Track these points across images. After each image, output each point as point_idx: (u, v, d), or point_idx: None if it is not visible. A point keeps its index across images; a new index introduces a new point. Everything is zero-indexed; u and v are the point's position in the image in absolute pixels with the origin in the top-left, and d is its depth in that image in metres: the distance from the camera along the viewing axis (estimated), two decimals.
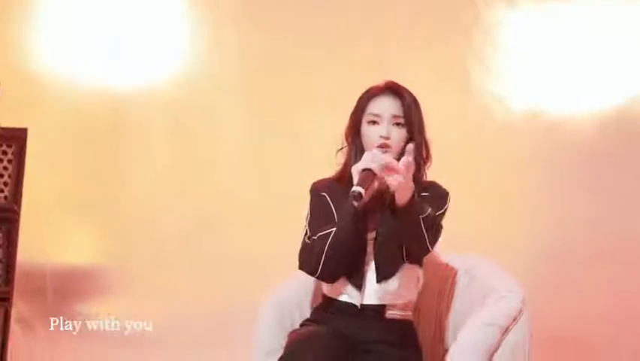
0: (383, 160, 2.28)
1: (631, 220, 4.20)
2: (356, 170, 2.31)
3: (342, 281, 2.44)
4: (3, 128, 3.51)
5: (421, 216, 2.27)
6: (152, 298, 4.43)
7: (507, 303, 2.42)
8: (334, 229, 2.37)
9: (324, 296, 2.52)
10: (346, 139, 2.58)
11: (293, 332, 2.51)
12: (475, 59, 4.72)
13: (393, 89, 2.53)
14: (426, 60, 4.65)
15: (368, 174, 2.27)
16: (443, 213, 2.45)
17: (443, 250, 2.78)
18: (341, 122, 4.72)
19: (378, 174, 2.27)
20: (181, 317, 4.34)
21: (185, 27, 4.71)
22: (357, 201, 2.20)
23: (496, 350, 2.31)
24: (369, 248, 2.44)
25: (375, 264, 2.42)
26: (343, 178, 2.51)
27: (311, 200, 2.56)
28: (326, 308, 2.50)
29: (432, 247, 2.37)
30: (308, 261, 2.43)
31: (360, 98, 2.57)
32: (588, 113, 4.49)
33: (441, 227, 2.43)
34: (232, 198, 4.56)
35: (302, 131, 4.69)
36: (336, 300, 2.47)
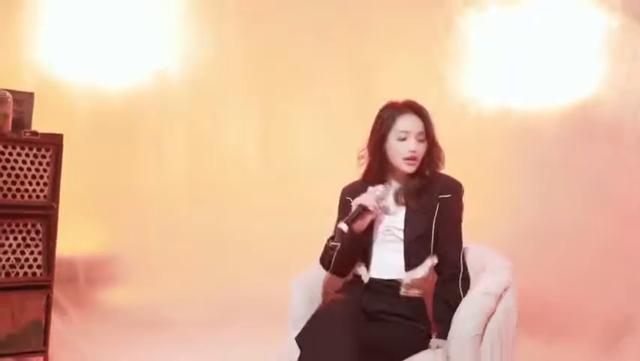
0: (384, 193, 2.85)
1: (593, 200, 4.64)
2: (354, 203, 2.82)
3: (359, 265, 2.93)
4: (41, 134, 3.81)
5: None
6: (171, 283, 4.83)
7: (499, 276, 2.90)
8: (338, 245, 2.82)
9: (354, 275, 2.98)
10: (368, 149, 2.98)
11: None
12: (449, 62, 5.15)
13: (415, 108, 2.93)
14: (403, 63, 5.08)
15: (362, 211, 2.79)
16: (462, 209, 2.96)
17: None
18: (332, 117, 5.07)
19: (373, 211, 2.80)
20: (196, 299, 4.74)
21: (190, 30, 5.08)
22: (340, 237, 2.74)
23: (492, 314, 2.77)
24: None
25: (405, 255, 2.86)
26: (367, 177, 2.99)
27: (339, 203, 3.03)
28: (353, 284, 2.97)
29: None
30: (323, 262, 2.97)
31: (385, 115, 2.94)
32: (552, 109, 4.94)
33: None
34: (240, 190, 4.94)
35: (300, 122, 5.09)
36: (361, 278, 2.93)
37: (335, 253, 2.86)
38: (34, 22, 4.70)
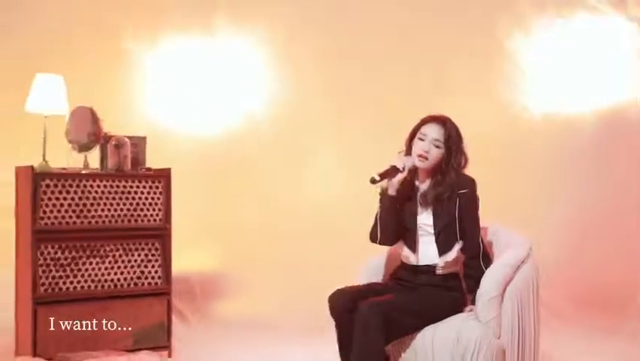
0: (411, 163, 3.46)
1: (631, 198, 5.14)
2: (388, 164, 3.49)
3: (408, 252, 3.57)
4: (154, 170, 4.62)
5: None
6: (272, 295, 5.50)
7: (518, 251, 3.53)
8: (379, 211, 3.53)
9: (401, 261, 3.65)
10: (405, 145, 3.63)
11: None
12: (502, 77, 5.80)
13: (439, 120, 3.56)
14: (466, 82, 5.78)
15: (391, 169, 3.45)
16: (478, 200, 3.54)
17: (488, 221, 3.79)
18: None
19: (401, 170, 3.45)
20: (293, 308, 5.35)
21: (272, 75, 5.88)
22: (371, 182, 3.41)
23: (509, 281, 3.40)
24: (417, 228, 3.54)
25: (436, 243, 3.50)
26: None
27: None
28: (401, 267, 3.65)
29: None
30: (372, 234, 3.62)
31: (419, 122, 3.61)
32: (590, 114, 5.50)
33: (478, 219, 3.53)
34: (323, 213, 5.62)
35: (372, 149, 5.63)
36: (406, 263, 3.61)
37: (378, 219, 3.52)
38: (143, 80, 5.60)
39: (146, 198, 4.56)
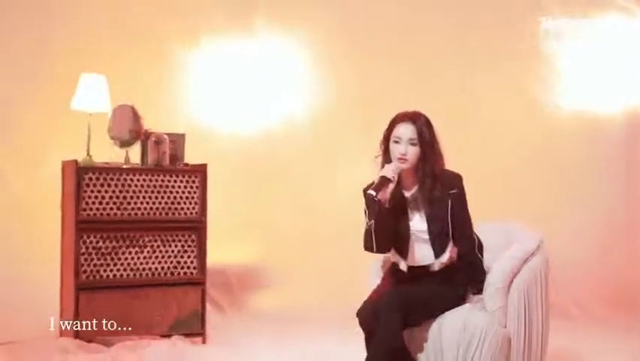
0: (398, 168, 3.43)
1: None
2: (377, 176, 3.45)
3: (398, 258, 3.57)
4: (191, 165, 4.83)
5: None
6: (303, 289, 5.65)
7: (527, 244, 3.62)
8: (373, 221, 3.46)
9: (393, 264, 3.68)
10: (380, 148, 3.59)
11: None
12: (535, 79, 5.89)
13: (411, 118, 3.50)
14: (498, 81, 5.88)
15: (383, 180, 3.41)
16: (465, 195, 3.53)
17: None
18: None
19: (392, 179, 3.41)
20: (325, 301, 5.47)
21: (312, 79, 6.03)
22: (368, 199, 3.41)
23: (516, 274, 3.50)
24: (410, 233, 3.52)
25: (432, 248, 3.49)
26: None
27: (365, 200, 3.61)
28: (394, 269, 3.67)
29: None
30: (367, 244, 3.55)
31: (389, 123, 3.56)
32: (621, 115, 5.52)
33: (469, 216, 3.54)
34: (356, 208, 5.68)
35: None
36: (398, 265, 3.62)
37: (373, 231, 3.46)
38: (183, 79, 5.83)
39: (183, 192, 4.77)
